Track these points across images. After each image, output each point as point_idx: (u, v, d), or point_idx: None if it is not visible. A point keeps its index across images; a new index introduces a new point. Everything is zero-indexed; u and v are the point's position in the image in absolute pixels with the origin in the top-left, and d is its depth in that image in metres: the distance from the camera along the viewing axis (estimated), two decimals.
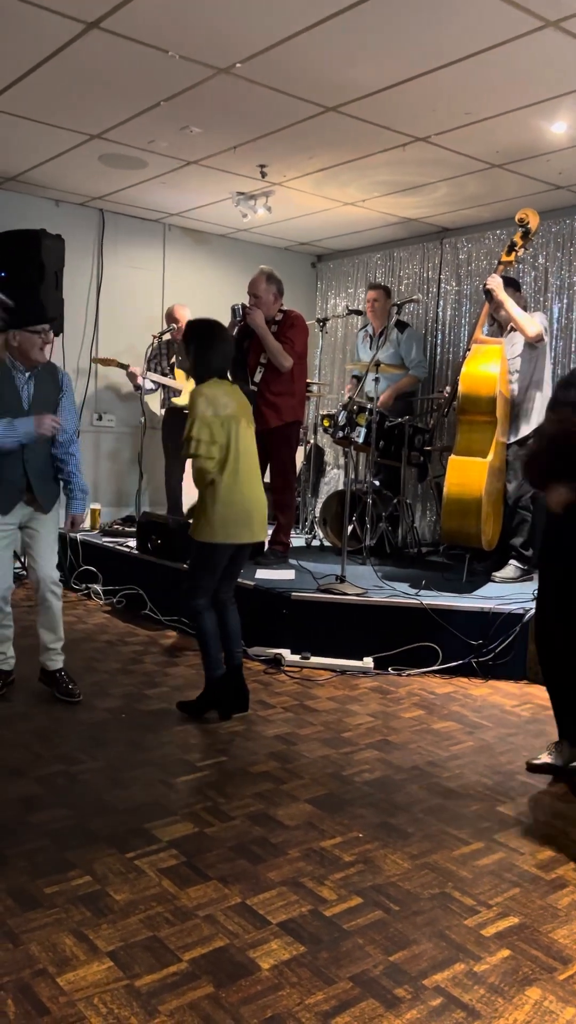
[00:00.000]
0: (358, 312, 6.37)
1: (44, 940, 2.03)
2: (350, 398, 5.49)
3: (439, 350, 6.93)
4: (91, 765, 3.07)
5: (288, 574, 4.92)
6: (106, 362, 6.47)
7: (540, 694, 4.01)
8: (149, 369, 6.30)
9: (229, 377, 3.65)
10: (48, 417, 3.53)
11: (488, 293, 4.87)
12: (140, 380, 6.25)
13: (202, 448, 3.40)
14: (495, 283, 4.86)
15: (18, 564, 6.11)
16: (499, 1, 3.27)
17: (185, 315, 6.26)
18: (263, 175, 5.54)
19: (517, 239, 4.86)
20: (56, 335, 6.09)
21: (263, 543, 5.07)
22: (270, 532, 5.39)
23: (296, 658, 4.35)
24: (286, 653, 4.36)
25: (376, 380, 5.61)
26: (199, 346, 3.52)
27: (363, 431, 5.35)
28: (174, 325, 6.25)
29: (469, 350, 4.87)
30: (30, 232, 5.83)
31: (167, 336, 6.30)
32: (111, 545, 5.84)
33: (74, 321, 6.57)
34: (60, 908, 2.17)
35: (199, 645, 3.64)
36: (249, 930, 2.11)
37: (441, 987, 1.92)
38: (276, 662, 4.34)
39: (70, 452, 3.71)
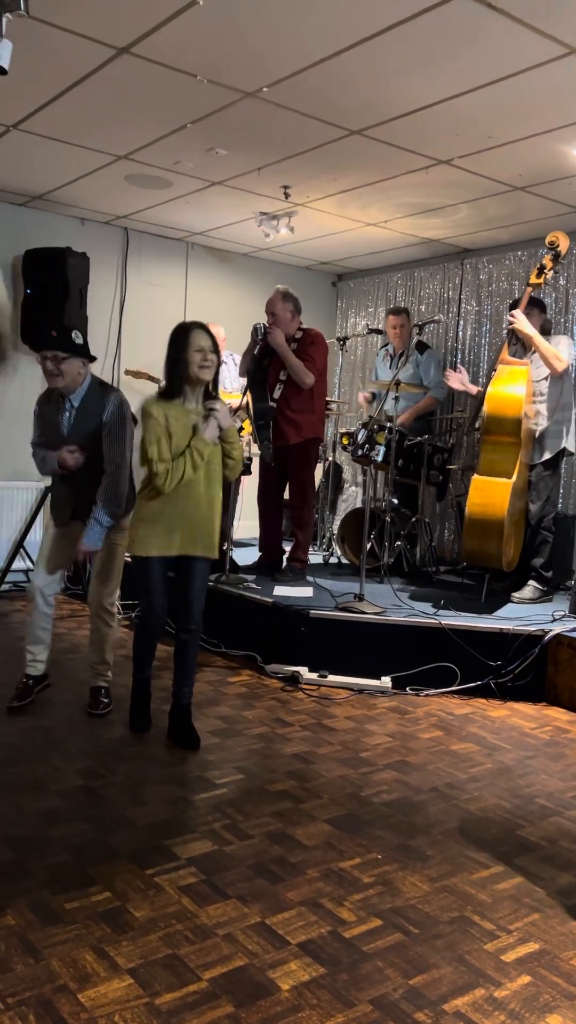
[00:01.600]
0: (378, 331, 6.40)
1: (65, 956, 2.05)
2: (371, 417, 5.51)
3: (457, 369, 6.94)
4: (111, 780, 3.09)
5: (306, 591, 4.93)
6: (138, 374, 6.53)
7: (559, 716, 3.99)
8: None
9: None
10: (64, 451, 3.57)
11: (512, 333, 4.90)
12: None
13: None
14: (520, 323, 4.85)
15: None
16: (525, 28, 3.31)
17: (219, 333, 6.31)
18: (286, 196, 5.60)
19: (547, 261, 4.87)
20: (90, 360, 6.19)
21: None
22: (288, 549, 5.42)
23: (314, 676, 4.35)
24: (304, 671, 4.37)
25: (396, 399, 5.63)
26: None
27: (382, 449, 5.37)
28: None
29: (495, 370, 4.89)
30: (56, 250, 5.94)
31: None
32: (129, 559, 5.86)
33: (98, 338, 6.64)
34: (80, 924, 2.18)
35: None
36: (268, 950, 2.11)
37: (461, 1012, 1.91)
38: (294, 680, 4.35)
39: (102, 480, 3.61)
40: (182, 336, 3.39)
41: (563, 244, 4.85)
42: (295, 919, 2.25)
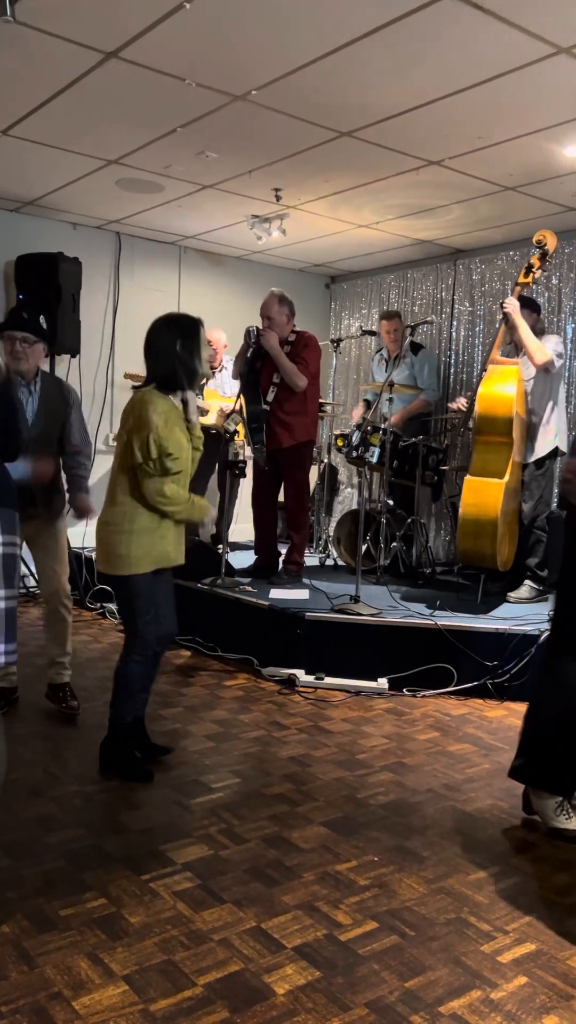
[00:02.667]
0: (372, 333, 6.40)
1: (59, 963, 2.04)
2: (364, 419, 5.51)
3: (452, 370, 6.95)
4: (106, 785, 3.08)
5: (302, 594, 4.93)
6: (137, 377, 6.53)
7: None
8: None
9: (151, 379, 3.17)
10: (39, 466, 3.45)
11: (505, 316, 4.86)
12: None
13: None
14: (513, 306, 4.85)
15: (33, 583, 6.16)
16: (512, 29, 3.31)
17: (215, 338, 6.33)
18: (278, 198, 5.60)
19: (534, 260, 4.86)
20: (72, 355, 6.19)
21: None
22: (284, 552, 5.42)
23: (310, 679, 4.34)
24: (300, 673, 4.36)
25: (390, 400, 5.63)
26: None
27: (377, 451, 5.37)
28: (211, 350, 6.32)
29: (485, 370, 4.89)
30: (48, 255, 5.93)
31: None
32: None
33: (91, 343, 6.64)
34: (75, 930, 2.17)
35: None
36: (264, 954, 2.10)
37: (457, 1014, 1.91)
38: (290, 682, 4.34)
39: (79, 461, 3.76)
40: (195, 331, 3.07)
41: (551, 243, 4.84)
42: (291, 923, 2.24)
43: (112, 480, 3.10)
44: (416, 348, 6.26)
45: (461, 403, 5.33)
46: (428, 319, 5.79)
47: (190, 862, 2.54)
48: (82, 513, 3.77)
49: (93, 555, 6.02)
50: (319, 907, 2.32)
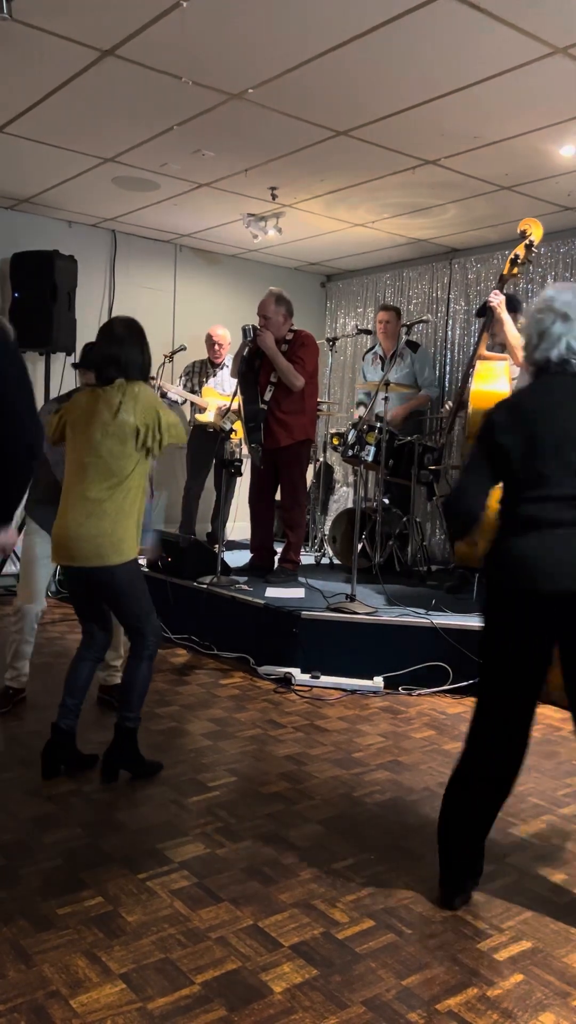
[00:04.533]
0: (367, 331, 6.40)
1: (57, 961, 2.04)
2: (360, 418, 5.52)
3: (448, 369, 6.96)
4: (103, 785, 3.07)
5: (298, 592, 4.93)
6: None
7: (551, 714, 4.00)
8: (183, 386, 6.38)
9: (117, 375, 3.12)
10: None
11: (491, 310, 4.81)
12: (167, 392, 6.27)
13: None
14: (498, 300, 4.81)
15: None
16: (508, 29, 3.32)
17: (220, 335, 6.33)
18: (274, 197, 5.60)
19: (520, 251, 4.78)
20: (68, 354, 6.18)
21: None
22: (279, 551, 5.42)
23: (306, 677, 4.35)
24: (296, 672, 4.37)
25: (386, 399, 5.63)
26: None
27: (372, 450, 5.37)
28: (216, 346, 6.32)
29: (473, 367, 4.88)
30: (43, 253, 5.92)
31: (178, 353, 6.35)
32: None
33: (86, 341, 6.62)
34: (73, 929, 2.18)
35: None
36: (261, 952, 2.11)
37: (454, 1012, 1.92)
38: (286, 681, 4.34)
39: None
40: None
41: (536, 233, 4.74)
42: (288, 921, 2.25)
43: (90, 470, 3.01)
44: (413, 346, 6.27)
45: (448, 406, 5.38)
46: (424, 318, 5.79)
47: (187, 861, 2.54)
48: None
49: None
50: (316, 905, 2.33)
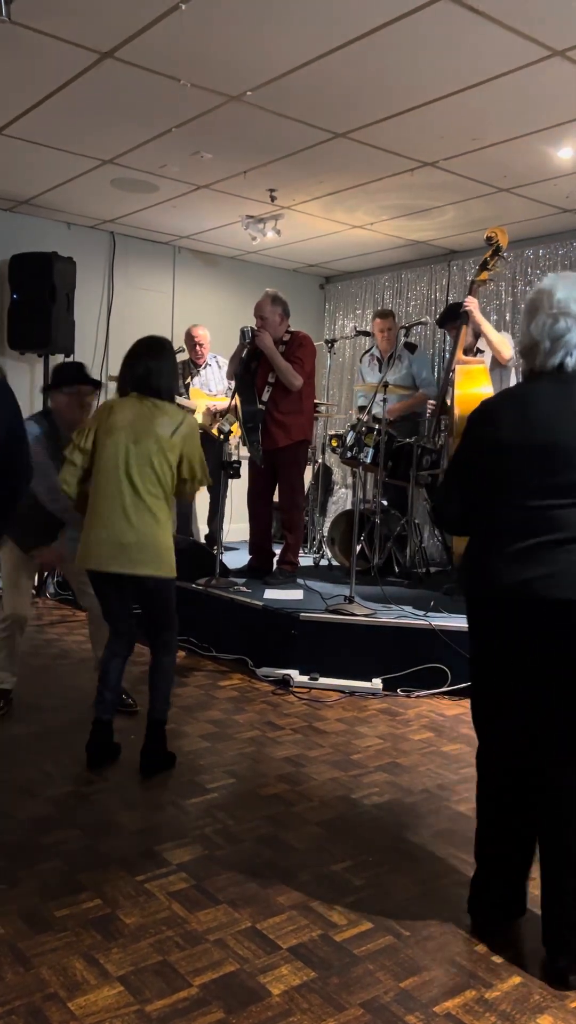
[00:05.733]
0: (366, 333, 6.41)
1: (55, 964, 2.04)
2: (359, 419, 5.52)
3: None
4: (101, 786, 3.08)
5: (296, 594, 4.93)
6: None
7: None
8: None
9: (161, 395, 3.25)
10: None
11: (467, 315, 4.97)
12: None
13: (68, 450, 3.22)
14: (474, 305, 4.97)
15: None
16: (507, 31, 3.32)
17: (201, 335, 6.32)
18: (272, 199, 5.60)
19: (488, 257, 4.94)
20: (66, 356, 6.18)
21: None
22: (278, 552, 5.42)
23: (305, 679, 4.35)
24: (294, 674, 4.37)
25: (384, 401, 5.63)
26: (121, 364, 3.36)
27: (371, 451, 5.37)
28: (197, 347, 6.31)
29: (452, 371, 4.93)
30: (42, 255, 5.93)
31: (183, 356, 6.35)
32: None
33: (85, 343, 6.63)
34: (71, 931, 2.17)
35: None
36: (259, 955, 2.11)
37: (452, 1014, 1.92)
38: (285, 683, 4.34)
39: None
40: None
41: (502, 239, 4.93)
42: (286, 923, 2.25)
43: (143, 479, 3.11)
44: (412, 348, 6.26)
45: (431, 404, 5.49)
46: (422, 320, 5.81)
47: (185, 863, 2.54)
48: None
49: None
50: (314, 907, 2.33)
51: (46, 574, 6.18)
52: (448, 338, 6.95)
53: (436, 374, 6.83)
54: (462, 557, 2.31)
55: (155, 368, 3.23)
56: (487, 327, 4.97)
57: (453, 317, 5.23)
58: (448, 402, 4.97)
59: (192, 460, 3.21)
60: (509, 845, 2.23)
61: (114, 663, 3.33)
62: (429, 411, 5.49)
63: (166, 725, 3.28)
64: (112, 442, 3.12)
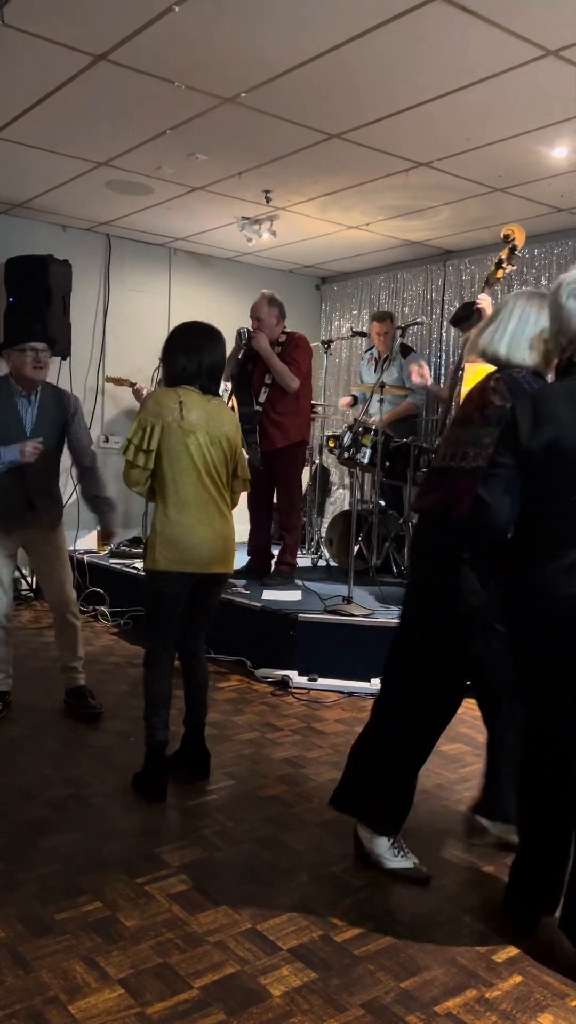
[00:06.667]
0: (362, 334, 6.41)
1: (55, 967, 2.04)
2: (355, 420, 5.52)
3: (443, 371, 6.96)
4: (101, 788, 3.07)
5: (294, 595, 4.93)
6: (119, 381, 6.53)
7: None
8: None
9: (218, 389, 3.19)
10: (29, 444, 3.52)
11: (479, 313, 4.88)
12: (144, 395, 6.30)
13: (129, 452, 2.99)
14: (487, 303, 4.89)
15: (24, 586, 6.17)
16: (500, 31, 3.33)
17: None
18: (268, 200, 5.61)
19: (504, 255, 4.88)
20: (63, 358, 6.19)
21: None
22: (276, 553, 5.42)
23: (303, 680, 4.35)
24: (293, 675, 4.37)
25: (381, 401, 5.64)
26: (166, 350, 3.16)
27: (368, 451, 5.38)
28: None
29: (462, 369, 4.91)
30: (37, 257, 5.92)
31: None
32: (118, 567, 5.87)
33: (81, 345, 6.63)
34: (71, 934, 2.17)
35: (145, 700, 3.11)
36: (260, 956, 2.10)
37: (453, 1014, 1.92)
38: (283, 684, 4.34)
39: (96, 478, 3.76)
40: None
41: (519, 237, 4.84)
42: (286, 924, 2.25)
43: (216, 488, 3.06)
44: (406, 351, 6.27)
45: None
46: (419, 320, 5.81)
47: (185, 864, 2.54)
48: (108, 536, 3.84)
49: (86, 557, 6.02)
50: (314, 908, 2.33)
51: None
52: (445, 337, 6.98)
53: (433, 374, 6.84)
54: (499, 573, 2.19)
55: (218, 364, 3.09)
56: None
57: (466, 316, 5.13)
58: (457, 401, 4.93)
59: (243, 458, 3.19)
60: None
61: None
62: (441, 408, 5.45)
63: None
64: (194, 443, 2.97)
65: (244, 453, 3.19)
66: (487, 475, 2.14)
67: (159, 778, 3.03)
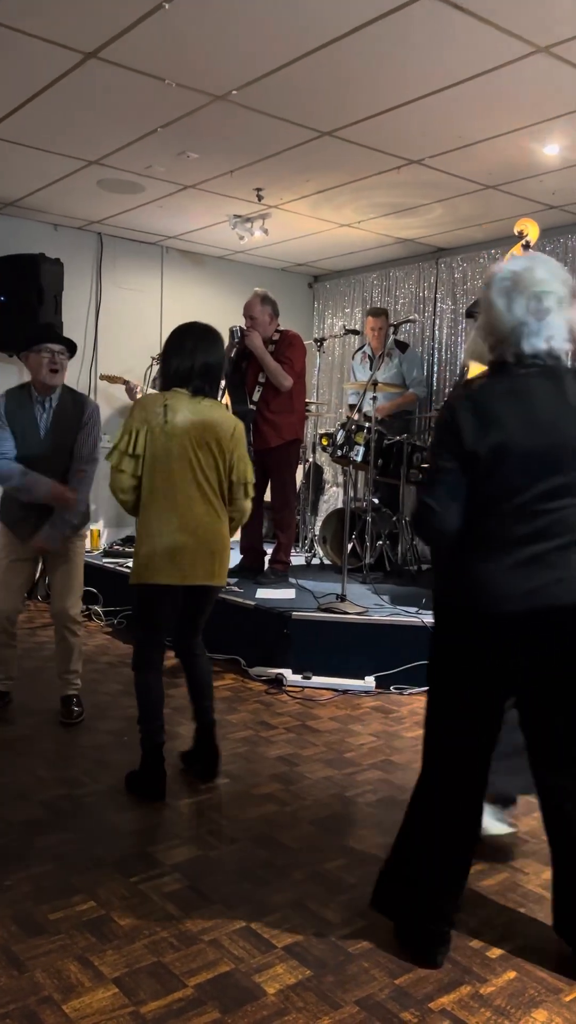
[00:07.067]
0: (355, 332, 6.41)
1: (49, 967, 2.03)
2: (348, 418, 5.53)
3: (436, 368, 6.97)
4: (94, 788, 3.07)
5: (288, 593, 4.93)
6: (113, 379, 6.52)
7: None
8: (154, 388, 6.37)
9: (216, 390, 3.09)
10: (62, 490, 3.46)
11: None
12: (138, 393, 6.29)
13: (114, 457, 2.90)
14: None
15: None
16: (491, 28, 3.33)
17: None
18: (260, 198, 5.60)
19: (517, 251, 4.85)
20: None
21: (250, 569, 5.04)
22: (270, 552, 5.42)
23: (297, 678, 4.35)
24: (287, 673, 4.36)
25: (374, 399, 5.64)
26: (164, 351, 3.07)
27: (361, 449, 5.38)
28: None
29: (467, 367, 4.90)
30: (29, 256, 5.90)
31: None
32: (111, 566, 5.85)
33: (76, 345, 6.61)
34: (65, 934, 2.17)
35: (138, 707, 3.07)
36: (254, 954, 2.10)
37: (447, 1010, 1.92)
38: (277, 682, 4.34)
39: (75, 478, 3.59)
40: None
41: (533, 232, 4.83)
42: (281, 922, 2.24)
43: (203, 494, 2.95)
44: (402, 346, 6.28)
45: None
46: (411, 318, 5.81)
47: (179, 863, 2.54)
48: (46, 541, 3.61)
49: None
50: (308, 906, 2.33)
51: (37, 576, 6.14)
52: (437, 335, 6.99)
53: (426, 372, 6.85)
54: (439, 569, 2.15)
55: (214, 364, 2.98)
56: None
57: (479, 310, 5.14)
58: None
59: (245, 462, 3.02)
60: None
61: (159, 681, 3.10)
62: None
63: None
64: (178, 447, 2.88)
65: (245, 456, 3.04)
66: (431, 481, 2.06)
67: (158, 778, 3.02)
